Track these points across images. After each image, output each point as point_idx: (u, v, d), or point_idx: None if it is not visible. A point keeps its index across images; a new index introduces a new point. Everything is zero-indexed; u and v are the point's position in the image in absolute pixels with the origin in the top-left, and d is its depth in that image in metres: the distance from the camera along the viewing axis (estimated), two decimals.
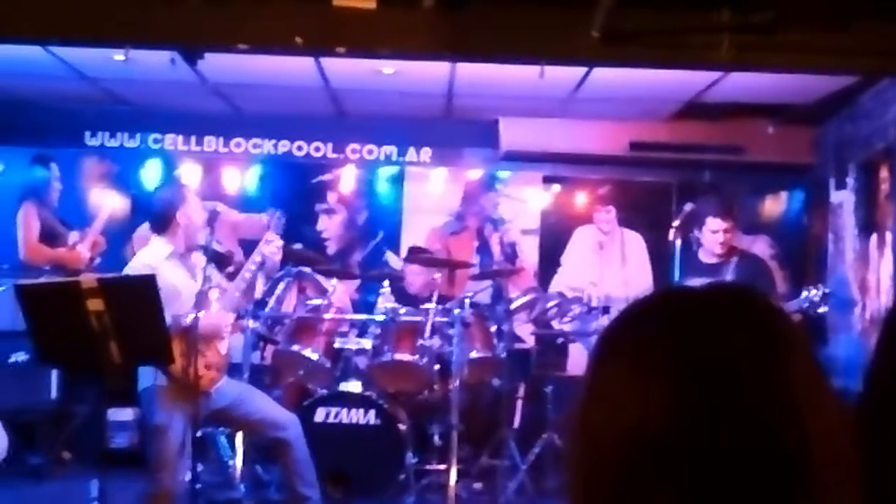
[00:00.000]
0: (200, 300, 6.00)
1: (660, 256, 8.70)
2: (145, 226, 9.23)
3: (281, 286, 8.00)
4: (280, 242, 6.58)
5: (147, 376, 6.11)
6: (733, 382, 1.18)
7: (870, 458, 1.78)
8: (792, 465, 1.16)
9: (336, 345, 7.86)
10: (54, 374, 8.50)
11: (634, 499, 1.17)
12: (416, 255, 8.85)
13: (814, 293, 7.14)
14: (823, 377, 1.24)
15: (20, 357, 8.33)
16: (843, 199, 8.94)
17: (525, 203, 10.31)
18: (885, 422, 1.89)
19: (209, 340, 6.15)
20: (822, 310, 7.22)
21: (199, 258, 6.45)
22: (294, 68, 8.08)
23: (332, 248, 10.20)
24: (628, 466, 1.18)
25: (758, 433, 1.16)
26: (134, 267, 6.25)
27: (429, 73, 8.21)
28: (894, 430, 1.86)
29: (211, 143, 10.20)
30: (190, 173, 9.87)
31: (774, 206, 10.36)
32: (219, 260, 6.91)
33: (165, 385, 6.02)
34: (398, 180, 10.40)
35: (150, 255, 6.28)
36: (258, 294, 7.66)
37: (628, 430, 1.18)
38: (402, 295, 8.54)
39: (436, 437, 7.83)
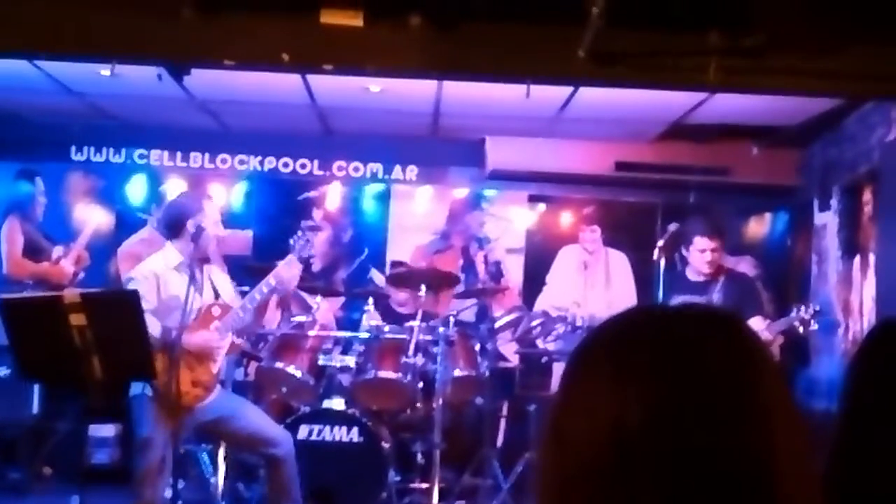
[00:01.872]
0: (193, 314, 5.99)
1: (644, 276, 8.70)
2: (130, 240, 9.24)
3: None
4: (300, 267, 6.46)
5: (137, 384, 6.08)
6: (707, 390, 1.22)
7: (849, 474, 1.80)
8: (758, 472, 1.19)
9: (320, 362, 7.84)
10: (36, 388, 8.47)
11: None
12: (396, 270, 8.88)
13: (804, 311, 7.15)
14: (789, 393, 1.29)
15: (2, 372, 8.30)
16: (827, 221, 8.97)
17: (510, 222, 10.32)
18: (863, 441, 1.90)
19: (201, 358, 6.13)
20: (812, 327, 7.24)
21: (216, 273, 6.45)
22: (281, 85, 8.08)
23: (316, 266, 10.19)
24: (603, 473, 1.20)
25: (728, 441, 1.19)
26: (139, 271, 6.24)
27: (416, 92, 8.22)
28: (871, 447, 1.87)
29: (197, 158, 10.19)
30: (175, 189, 9.84)
31: (759, 227, 10.39)
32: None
33: (152, 397, 6.01)
34: (384, 198, 10.40)
35: (158, 263, 6.25)
36: (270, 321, 7.60)
37: (605, 436, 1.20)
38: (386, 313, 8.53)
39: (418, 456, 7.82)
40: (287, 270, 6.35)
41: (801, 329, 7.20)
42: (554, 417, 1.28)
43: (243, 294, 6.54)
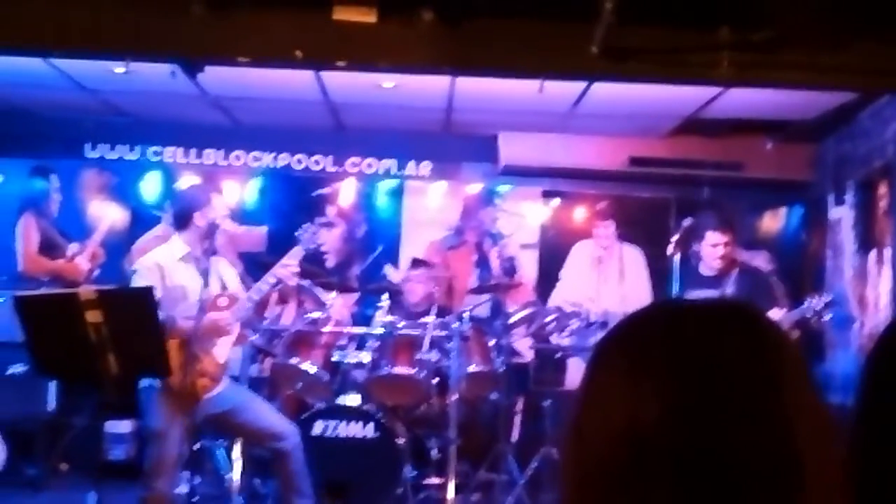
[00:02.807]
0: (205, 304, 6.01)
1: (659, 271, 8.69)
2: (145, 237, 9.27)
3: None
4: (297, 269, 6.56)
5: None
6: (724, 383, 1.20)
7: (865, 473, 1.79)
8: (779, 466, 1.18)
9: (334, 358, 7.85)
10: (52, 385, 8.50)
11: (626, 500, 1.19)
12: (417, 266, 8.88)
13: (816, 301, 7.17)
14: (814, 387, 1.26)
15: (18, 368, 8.34)
16: (842, 215, 8.95)
17: (524, 218, 10.32)
18: (879, 438, 1.89)
19: (208, 342, 6.15)
20: (825, 318, 7.25)
21: (223, 265, 6.49)
22: (294, 81, 8.10)
23: (331, 262, 10.19)
24: (620, 469, 1.19)
25: (745, 434, 1.18)
26: (144, 264, 6.30)
27: (428, 88, 8.23)
28: (886, 444, 1.87)
29: (210, 155, 10.21)
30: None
31: (773, 222, 10.37)
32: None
33: (160, 388, 6.04)
34: (397, 194, 10.41)
35: (164, 254, 6.32)
36: (269, 312, 7.68)
37: (620, 432, 1.20)
38: (400, 308, 8.54)
39: (434, 451, 7.82)
40: (285, 269, 6.44)
41: (813, 320, 7.21)
42: (573, 413, 1.28)
43: None
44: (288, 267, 6.50)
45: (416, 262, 9.12)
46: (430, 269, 9.01)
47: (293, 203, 10.22)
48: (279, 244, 9.53)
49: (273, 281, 6.44)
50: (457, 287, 9.17)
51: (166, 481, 6.10)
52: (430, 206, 10.31)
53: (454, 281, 8.96)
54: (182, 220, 6.38)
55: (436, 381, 7.77)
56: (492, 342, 8.06)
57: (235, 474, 7.55)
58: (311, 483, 6.64)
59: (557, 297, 9.35)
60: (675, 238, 7.37)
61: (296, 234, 6.78)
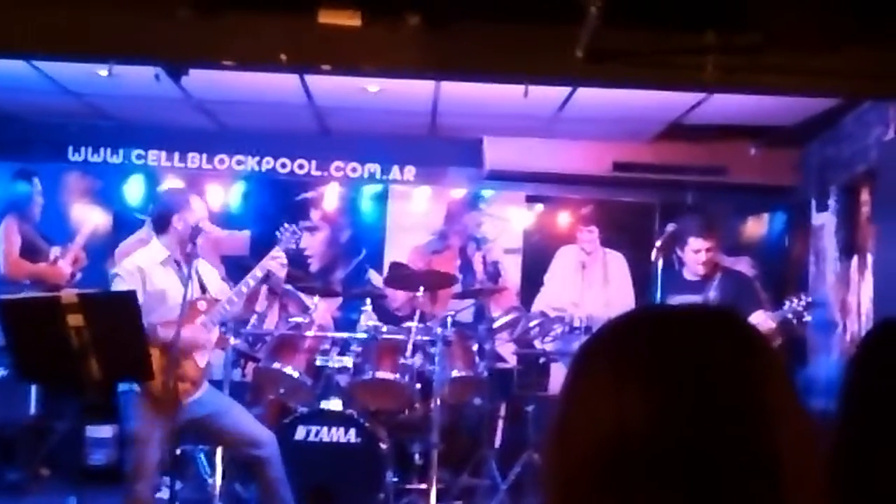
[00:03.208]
0: (184, 310, 5.99)
1: (642, 276, 8.70)
2: (127, 241, 9.24)
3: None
4: (284, 259, 6.55)
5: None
6: (707, 387, 1.21)
7: (848, 475, 1.79)
8: (762, 469, 1.18)
9: (317, 362, 7.84)
10: (33, 389, 8.46)
11: (611, 502, 1.18)
12: (396, 271, 8.87)
13: (797, 302, 7.19)
14: (795, 391, 1.27)
15: None
16: (825, 221, 8.96)
17: (508, 222, 10.32)
18: (860, 440, 1.90)
19: (186, 353, 6.13)
20: (807, 318, 7.27)
21: (203, 266, 6.47)
22: (278, 85, 8.07)
23: (314, 266, 10.18)
24: (605, 471, 1.20)
25: (729, 437, 1.18)
26: (125, 267, 6.28)
27: (413, 92, 8.21)
28: (868, 447, 1.87)
29: (194, 159, 10.16)
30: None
31: (756, 227, 10.38)
32: None
33: (140, 392, 6.01)
34: (382, 198, 10.39)
35: (144, 258, 6.30)
36: (259, 308, 7.66)
37: (605, 435, 1.20)
38: (384, 313, 8.53)
39: (416, 456, 7.82)
40: (273, 261, 6.42)
41: (795, 321, 7.23)
42: (557, 417, 1.27)
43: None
44: (277, 259, 6.48)
45: (395, 266, 9.11)
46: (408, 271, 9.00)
47: (277, 207, 10.19)
48: (263, 248, 9.52)
49: (260, 275, 6.42)
50: (440, 292, 9.17)
51: (147, 485, 6.07)
52: (414, 211, 10.30)
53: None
54: (161, 224, 6.36)
55: (419, 386, 7.77)
56: (475, 347, 8.07)
57: (217, 479, 7.53)
58: (291, 489, 6.62)
59: (541, 302, 9.36)
60: (658, 243, 7.38)
61: (276, 233, 6.77)
